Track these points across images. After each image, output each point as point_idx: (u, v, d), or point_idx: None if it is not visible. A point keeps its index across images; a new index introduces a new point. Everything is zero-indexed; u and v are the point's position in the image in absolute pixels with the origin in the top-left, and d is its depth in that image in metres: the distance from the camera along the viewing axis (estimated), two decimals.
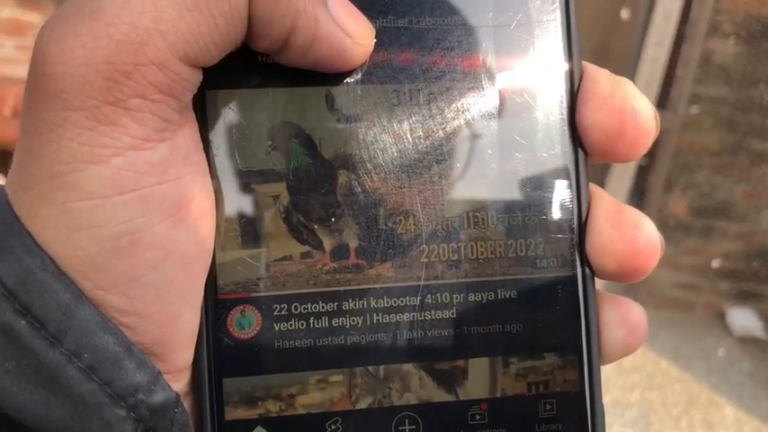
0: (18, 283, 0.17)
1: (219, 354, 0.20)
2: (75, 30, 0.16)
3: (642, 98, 0.22)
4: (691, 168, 2.05)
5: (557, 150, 0.22)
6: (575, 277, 0.22)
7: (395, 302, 0.21)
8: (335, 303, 0.21)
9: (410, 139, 0.21)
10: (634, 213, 0.22)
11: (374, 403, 0.21)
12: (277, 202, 0.21)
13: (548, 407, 0.22)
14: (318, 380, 0.21)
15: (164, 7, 0.17)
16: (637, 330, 0.23)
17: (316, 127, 0.21)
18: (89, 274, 0.17)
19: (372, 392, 0.21)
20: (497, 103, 0.22)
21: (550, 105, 0.22)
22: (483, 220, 0.22)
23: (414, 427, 0.21)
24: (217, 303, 0.20)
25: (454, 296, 0.22)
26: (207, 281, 0.20)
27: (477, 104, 0.22)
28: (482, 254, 0.22)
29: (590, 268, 0.22)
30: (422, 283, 0.21)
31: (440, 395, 0.22)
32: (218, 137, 0.20)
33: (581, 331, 0.22)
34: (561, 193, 0.22)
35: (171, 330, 0.19)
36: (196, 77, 0.18)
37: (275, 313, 0.21)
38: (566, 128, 0.22)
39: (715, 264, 2.13)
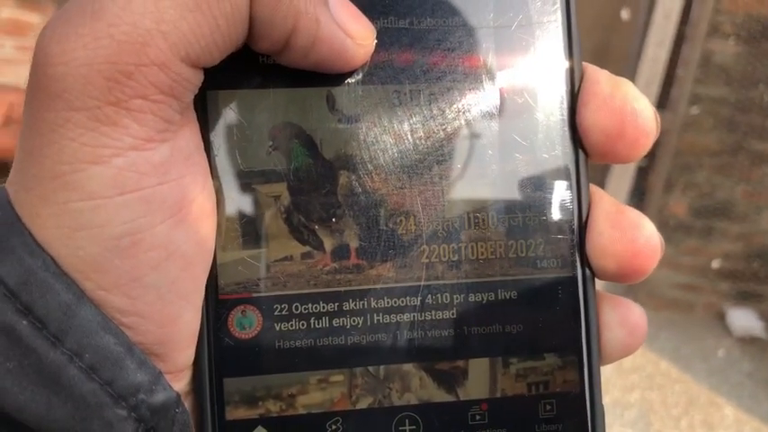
0: (19, 284, 0.17)
1: (220, 354, 0.20)
2: (76, 30, 0.16)
3: (642, 99, 0.22)
4: (691, 169, 2.05)
5: (557, 151, 0.22)
6: (575, 278, 0.22)
7: (395, 303, 0.21)
8: (336, 304, 0.21)
9: (411, 140, 0.21)
10: (634, 214, 0.22)
11: (374, 403, 0.21)
12: (278, 203, 0.21)
13: (548, 407, 0.22)
14: (319, 380, 0.21)
15: (165, 8, 0.17)
16: (637, 331, 0.23)
17: (317, 127, 0.21)
18: (90, 274, 0.17)
19: (373, 392, 0.21)
20: (498, 103, 0.22)
21: (551, 106, 0.22)
22: (483, 220, 0.22)
23: (414, 427, 0.21)
24: (218, 303, 0.20)
25: (454, 296, 0.22)
26: (208, 281, 0.20)
27: (477, 105, 0.22)
28: (482, 254, 0.22)
29: (590, 269, 0.22)
30: (422, 283, 0.21)
31: (440, 395, 0.22)
32: (220, 137, 0.20)
33: (581, 332, 0.22)
34: (561, 193, 0.22)
35: (172, 330, 0.19)
36: (197, 78, 0.18)
37: (276, 313, 0.21)
38: (566, 129, 0.22)
39: (715, 264, 2.13)
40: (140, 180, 0.17)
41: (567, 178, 0.22)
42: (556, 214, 0.22)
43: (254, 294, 0.21)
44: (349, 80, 0.21)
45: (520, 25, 0.22)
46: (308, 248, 0.21)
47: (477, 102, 0.22)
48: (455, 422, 0.22)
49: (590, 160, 0.23)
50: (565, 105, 0.22)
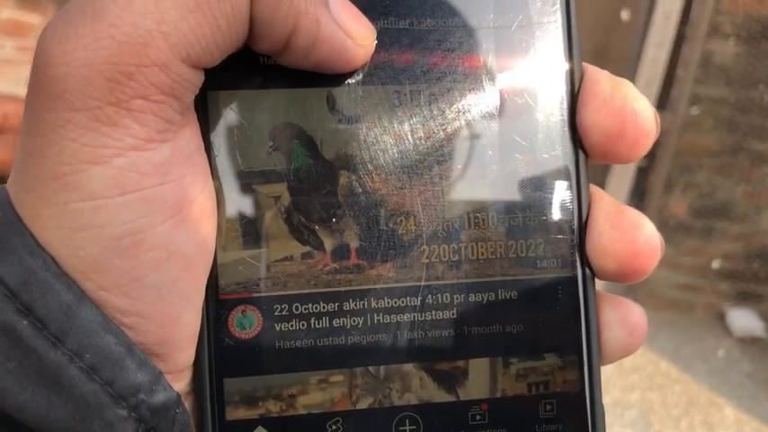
0: (20, 284, 0.17)
1: (220, 354, 0.20)
2: (77, 31, 0.16)
3: (642, 99, 0.22)
4: (691, 169, 2.05)
5: (557, 151, 0.22)
6: (575, 278, 0.22)
7: (395, 303, 0.21)
8: (336, 304, 0.21)
9: (411, 140, 0.21)
10: (634, 214, 0.22)
11: (375, 403, 0.21)
12: (278, 203, 0.21)
13: (548, 407, 0.22)
14: (319, 380, 0.21)
15: (166, 9, 0.17)
16: (637, 331, 0.23)
17: (317, 128, 0.21)
18: (91, 274, 0.17)
19: (373, 393, 0.21)
20: (498, 104, 0.22)
21: (551, 106, 0.22)
22: (483, 220, 0.22)
23: (414, 427, 0.21)
24: (218, 303, 0.21)
25: (455, 297, 0.22)
26: (208, 281, 0.20)
27: (477, 106, 0.22)
28: (482, 254, 0.22)
29: (590, 269, 0.22)
30: (422, 283, 0.22)
31: (440, 395, 0.22)
32: (220, 138, 0.21)
33: (581, 332, 0.22)
34: (561, 193, 0.22)
35: (172, 331, 0.19)
36: (198, 78, 0.18)
37: (276, 313, 0.21)
38: (566, 129, 0.22)
39: (715, 264, 2.13)
40: (141, 180, 0.17)
41: (568, 178, 0.22)
42: (556, 214, 0.22)
43: (255, 294, 0.21)
44: (349, 80, 0.21)
45: (520, 26, 0.22)
46: (308, 248, 0.21)
47: (477, 102, 0.22)
48: (455, 422, 0.22)
49: (590, 160, 0.23)
50: (565, 106, 0.22)
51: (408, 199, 0.21)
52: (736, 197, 2.07)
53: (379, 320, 0.21)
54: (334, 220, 0.21)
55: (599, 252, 0.22)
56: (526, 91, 0.22)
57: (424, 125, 0.21)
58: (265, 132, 0.21)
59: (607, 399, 1.63)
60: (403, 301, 0.21)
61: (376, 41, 0.20)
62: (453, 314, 0.22)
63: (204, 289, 0.20)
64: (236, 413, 0.21)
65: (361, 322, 0.21)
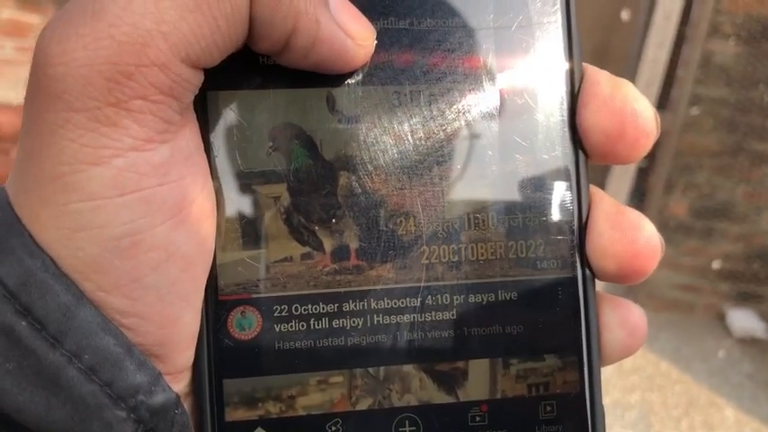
0: (19, 284, 0.17)
1: (220, 355, 0.20)
2: (77, 31, 0.16)
3: (642, 99, 0.22)
4: (691, 169, 2.05)
5: (557, 152, 0.22)
6: (575, 279, 0.22)
7: (395, 304, 0.21)
8: (336, 304, 0.21)
9: (411, 141, 0.21)
10: (634, 215, 0.22)
11: (374, 404, 0.21)
12: (278, 203, 0.21)
13: (548, 408, 0.22)
14: (318, 381, 0.21)
15: (165, 9, 0.17)
16: (637, 332, 0.23)
17: (317, 128, 0.21)
18: (90, 275, 0.17)
19: (372, 394, 0.21)
20: (498, 104, 0.22)
21: (551, 107, 0.22)
22: (483, 221, 0.22)
23: (414, 428, 0.21)
24: (217, 304, 0.20)
25: (454, 297, 0.22)
26: (207, 282, 0.20)
27: (477, 106, 0.22)
28: (482, 255, 0.22)
29: (590, 270, 0.22)
30: (422, 284, 0.21)
31: (440, 396, 0.22)
32: (220, 138, 0.20)
33: (581, 333, 0.22)
34: (561, 194, 0.22)
35: (172, 331, 0.19)
36: (197, 78, 0.18)
37: (276, 314, 0.21)
38: (566, 129, 0.22)
39: (715, 265, 2.13)
40: (140, 181, 0.17)
41: (567, 179, 0.22)
42: (556, 215, 0.22)
43: (254, 295, 0.21)
44: (349, 81, 0.21)
45: (520, 26, 0.22)
46: (307, 249, 0.21)
47: (477, 103, 0.22)
48: (455, 423, 0.22)
49: (590, 161, 0.23)
50: (565, 106, 0.22)
51: (408, 199, 0.21)
52: (736, 198, 2.07)
53: (378, 321, 0.21)
54: (333, 220, 0.21)
55: (599, 253, 0.22)
56: (526, 91, 0.22)
57: (423, 126, 0.21)
58: (265, 133, 0.21)
59: (607, 400, 1.63)
60: (403, 302, 0.21)
61: (376, 41, 0.20)
62: (453, 315, 0.22)
63: (203, 290, 0.20)
64: (235, 414, 0.21)
65: (360, 323, 0.21)
